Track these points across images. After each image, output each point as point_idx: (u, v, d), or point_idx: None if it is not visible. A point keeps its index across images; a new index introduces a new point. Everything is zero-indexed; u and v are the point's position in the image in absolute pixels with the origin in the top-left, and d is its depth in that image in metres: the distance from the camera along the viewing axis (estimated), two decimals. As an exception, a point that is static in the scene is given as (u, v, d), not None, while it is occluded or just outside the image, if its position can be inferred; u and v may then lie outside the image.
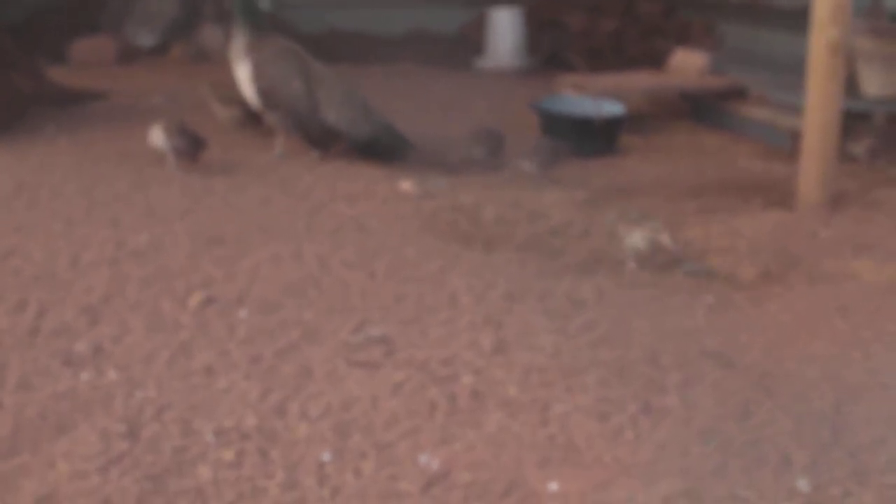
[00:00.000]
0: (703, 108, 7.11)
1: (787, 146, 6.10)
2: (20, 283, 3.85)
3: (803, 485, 2.81)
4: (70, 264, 4.02)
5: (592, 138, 6.34)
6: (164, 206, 4.72)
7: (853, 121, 5.85)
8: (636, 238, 4.27)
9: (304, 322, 3.63)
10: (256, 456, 2.88)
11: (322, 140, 5.67)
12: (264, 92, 5.65)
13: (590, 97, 6.70)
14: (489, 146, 5.70)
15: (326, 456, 2.89)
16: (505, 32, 9.04)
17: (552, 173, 5.53)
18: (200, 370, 3.31)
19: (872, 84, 6.40)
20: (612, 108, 6.54)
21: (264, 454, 2.89)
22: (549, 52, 9.08)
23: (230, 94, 6.02)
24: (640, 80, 7.30)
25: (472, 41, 9.39)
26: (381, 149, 5.64)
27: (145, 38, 8.61)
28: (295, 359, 3.39)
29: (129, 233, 4.34)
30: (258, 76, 5.64)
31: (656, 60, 7.90)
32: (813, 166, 5.16)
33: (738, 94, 6.95)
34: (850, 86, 5.86)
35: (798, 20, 5.78)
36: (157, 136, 5.31)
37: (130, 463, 2.82)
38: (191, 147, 5.34)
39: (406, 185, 5.19)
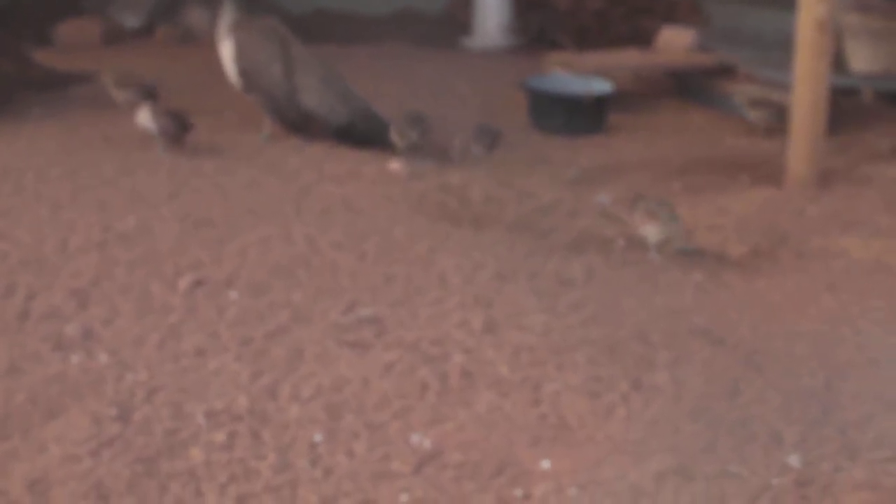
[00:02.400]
0: (690, 86, 7.11)
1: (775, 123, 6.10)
2: (8, 268, 3.83)
3: (794, 461, 2.83)
4: (58, 248, 4.01)
5: (580, 117, 6.33)
6: (151, 188, 4.70)
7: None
8: (651, 230, 4.27)
9: (294, 304, 3.63)
10: (248, 437, 2.88)
11: (300, 125, 5.64)
12: (244, 73, 5.62)
13: (578, 76, 6.69)
14: (419, 132, 5.52)
15: (318, 437, 2.89)
16: (492, 11, 9.01)
17: (493, 156, 5.40)
18: (191, 352, 3.31)
19: (860, 60, 6.41)
20: (600, 87, 6.53)
21: (256, 436, 2.89)
22: (537, 31, 9.05)
23: (126, 77, 6.01)
24: (628, 59, 7.28)
25: (458, 20, 9.35)
26: (357, 135, 5.60)
27: (131, 20, 8.55)
28: (285, 340, 3.39)
29: (116, 216, 4.32)
30: (239, 57, 5.61)
31: (643, 39, 7.88)
32: (801, 143, 5.17)
33: (726, 71, 6.94)
34: (838, 62, 5.86)
35: (785, -3, 5.77)
36: (145, 117, 5.29)
37: (122, 446, 2.82)
38: (177, 128, 5.31)
39: (394, 165, 5.18)
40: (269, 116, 5.66)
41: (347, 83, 5.80)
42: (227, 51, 5.65)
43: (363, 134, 5.60)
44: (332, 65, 5.93)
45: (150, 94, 5.93)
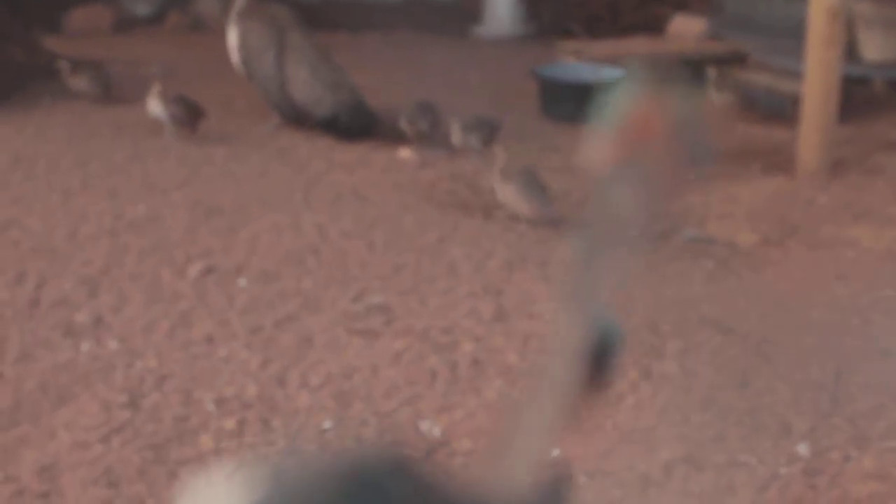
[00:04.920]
0: (702, 74, 7.08)
1: (787, 111, 6.08)
2: (19, 255, 3.84)
3: (803, 450, 2.83)
4: (69, 236, 4.02)
5: (592, 105, 6.30)
6: (161, 176, 4.71)
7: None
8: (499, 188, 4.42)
9: (303, 292, 3.63)
10: (258, 425, 2.89)
11: (293, 115, 5.64)
12: (244, 62, 5.66)
13: (589, 64, 6.67)
14: (429, 121, 5.46)
15: (327, 424, 2.90)
16: (503, 0, 8.99)
17: (489, 149, 5.30)
18: (201, 340, 3.32)
19: (872, 49, 6.37)
20: (612, 75, 6.50)
21: (266, 423, 2.90)
22: (548, 19, 9.02)
23: (84, 66, 5.99)
24: (640, 47, 7.25)
25: (470, 9, 9.33)
26: (342, 128, 5.56)
27: (141, 7, 8.55)
28: (295, 328, 3.40)
29: (127, 204, 4.33)
30: (240, 46, 5.66)
31: (655, 27, 7.86)
32: (812, 132, 5.14)
33: (738, 59, 6.92)
34: (850, 50, 5.84)
35: (797, -15, 5.74)
36: (155, 105, 5.29)
37: (132, 433, 2.83)
38: (188, 116, 5.32)
39: (404, 154, 5.17)
40: (268, 106, 5.68)
41: (343, 74, 5.75)
42: (232, 39, 5.69)
43: (347, 127, 5.54)
44: (330, 54, 5.88)
45: (106, 83, 5.90)
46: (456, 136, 5.20)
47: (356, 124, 5.55)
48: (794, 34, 5.77)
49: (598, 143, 1.06)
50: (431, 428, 2.89)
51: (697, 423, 2.93)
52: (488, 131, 5.28)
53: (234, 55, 5.69)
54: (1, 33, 6.29)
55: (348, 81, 5.71)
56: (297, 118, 5.62)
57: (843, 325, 3.62)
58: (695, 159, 1.07)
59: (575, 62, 6.80)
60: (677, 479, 2.70)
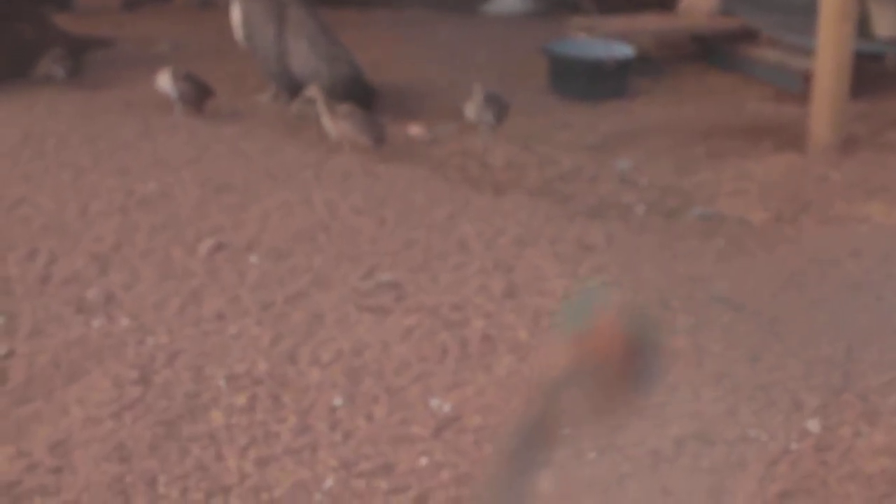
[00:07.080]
0: (713, 50, 7.04)
1: (799, 88, 6.05)
2: (30, 232, 3.85)
3: (814, 426, 2.82)
4: (79, 213, 4.02)
5: (602, 82, 6.28)
6: (171, 153, 4.71)
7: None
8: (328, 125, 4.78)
9: (314, 268, 3.64)
10: (269, 401, 2.89)
11: (292, 88, 5.63)
12: (246, 38, 5.68)
13: (599, 40, 6.64)
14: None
15: (338, 401, 2.90)
16: (513, -24, 8.94)
17: (501, 126, 5.26)
18: (212, 317, 3.32)
19: (884, 25, 6.33)
20: (622, 51, 6.47)
21: (276, 399, 2.90)
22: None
23: (57, 52, 5.95)
24: (651, 23, 7.22)
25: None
26: (338, 99, 5.55)
27: (151, -15, 8.53)
28: (306, 305, 3.40)
29: (137, 181, 4.33)
30: (243, 23, 5.67)
31: (666, 3, 7.81)
32: (824, 109, 5.11)
33: (749, 35, 6.87)
34: (862, 27, 5.80)
35: (810, -40, 5.70)
36: (165, 82, 5.28)
37: (143, 409, 2.84)
38: (197, 94, 5.31)
39: (415, 129, 5.16)
40: (268, 80, 5.70)
41: (341, 48, 5.73)
42: (235, 15, 5.71)
43: (343, 99, 5.54)
44: (330, 29, 5.86)
45: (74, 67, 5.85)
46: (470, 112, 5.19)
47: (353, 98, 5.53)
48: (806, 10, 5.73)
49: (558, 343, 1.16)
50: (442, 404, 2.90)
51: (708, 399, 2.93)
52: (502, 107, 5.27)
53: (237, 31, 5.71)
54: (11, 11, 6.28)
55: (347, 55, 5.70)
56: (297, 91, 5.62)
57: (854, 301, 3.62)
58: (640, 385, 1.19)
59: (584, 38, 6.76)
60: (688, 455, 2.71)
